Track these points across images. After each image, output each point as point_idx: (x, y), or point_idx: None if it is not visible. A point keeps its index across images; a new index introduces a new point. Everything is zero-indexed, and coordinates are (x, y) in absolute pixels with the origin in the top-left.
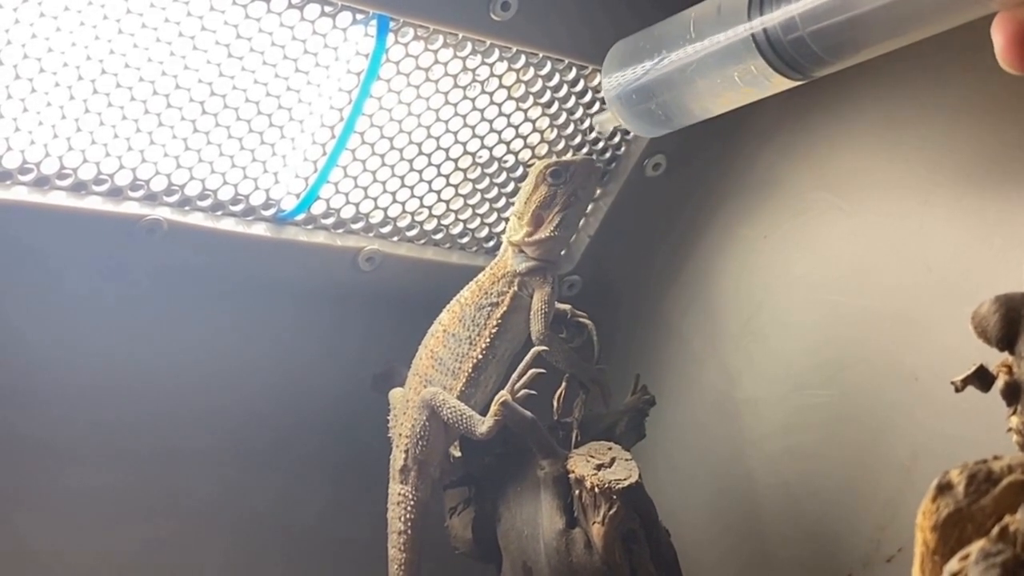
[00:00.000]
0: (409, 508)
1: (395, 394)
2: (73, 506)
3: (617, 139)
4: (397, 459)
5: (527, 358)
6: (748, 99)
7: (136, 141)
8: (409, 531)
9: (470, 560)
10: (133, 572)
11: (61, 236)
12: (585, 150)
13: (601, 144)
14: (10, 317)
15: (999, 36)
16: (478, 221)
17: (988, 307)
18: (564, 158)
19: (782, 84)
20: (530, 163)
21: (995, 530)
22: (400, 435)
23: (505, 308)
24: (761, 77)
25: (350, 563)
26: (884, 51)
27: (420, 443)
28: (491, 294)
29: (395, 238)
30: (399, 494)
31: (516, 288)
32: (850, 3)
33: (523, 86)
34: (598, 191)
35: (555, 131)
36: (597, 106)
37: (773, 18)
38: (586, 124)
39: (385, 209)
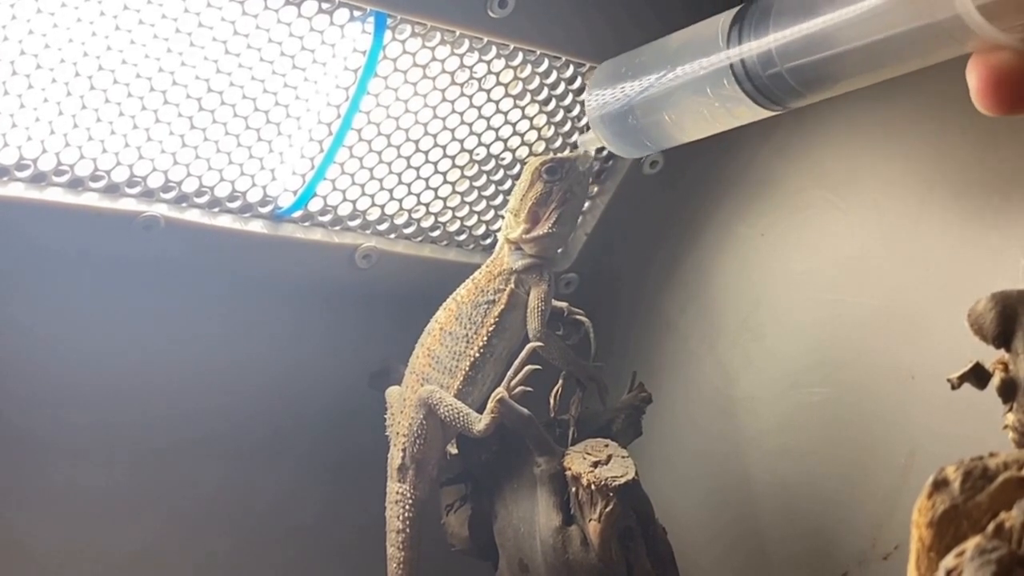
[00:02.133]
0: (407, 507)
1: (392, 392)
2: (71, 504)
3: None
4: (395, 457)
5: (522, 355)
6: (726, 126)
7: (133, 138)
8: (407, 529)
9: (467, 557)
10: (132, 569)
11: (58, 232)
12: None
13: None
14: (7, 314)
15: (973, 79)
16: (475, 218)
17: (984, 304)
18: (559, 154)
19: (760, 114)
20: (526, 161)
21: (991, 526)
22: (397, 434)
23: (502, 306)
24: (739, 107)
25: (349, 560)
26: (861, 86)
27: (418, 441)
28: (488, 292)
29: (392, 235)
30: (397, 492)
31: (513, 286)
32: (826, 41)
33: (520, 83)
34: (595, 188)
35: (552, 128)
36: (585, 119)
37: (750, 49)
38: (583, 122)
39: (382, 206)
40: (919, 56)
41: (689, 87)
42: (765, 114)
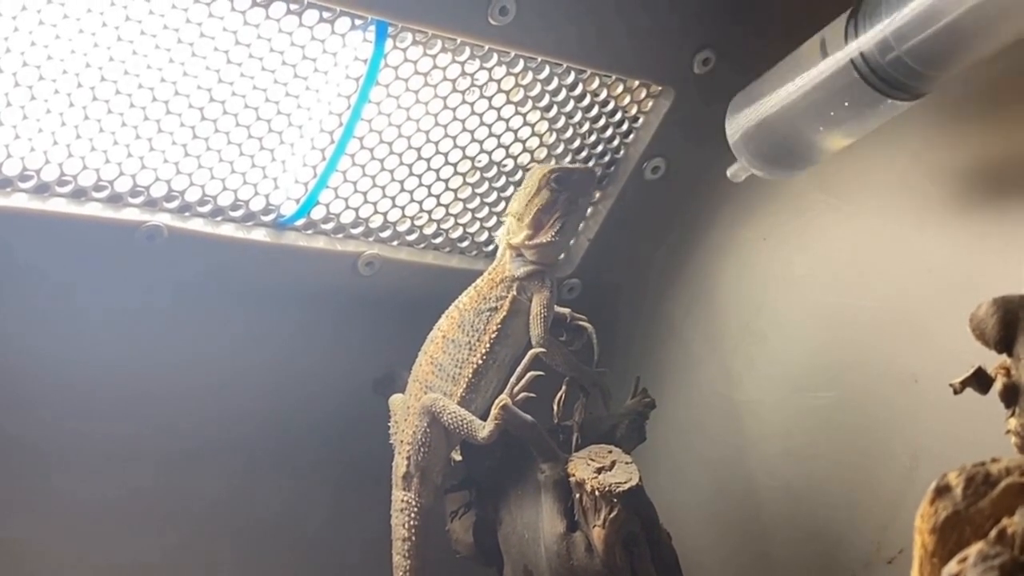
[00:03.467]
0: (413, 515)
1: (395, 400)
2: (77, 513)
3: (616, 142)
4: (400, 466)
5: (525, 361)
6: (866, 129)
7: (136, 147)
8: (413, 537)
9: (472, 563)
10: None
11: (61, 243)
12: (584, 154)
13: (600, 148)
14: (11, 325)
15: None
16: (477, 225)
17: (986, 309)
18: (566, 165)
19: (896, 108)
20: (529, 167)
21: (993, 532)
22: (402, 442)
23: (504, 313)
24: (872, 105)
25: (354, 568)
26: (977, 57)
27: (422, 450)
28: (490, 299)
29: (395, 243)
30: (402, 500)
31: (515, 292)
32: (934, 16)
33: (521, 90)
34: (597, 194)
35: (553, 135)
36: (587, 126)
37: (867, 40)
38: (584, 128)
39: (385, 214)
40: (1017, 18)
41: (823, 103)
42: (900, 107)
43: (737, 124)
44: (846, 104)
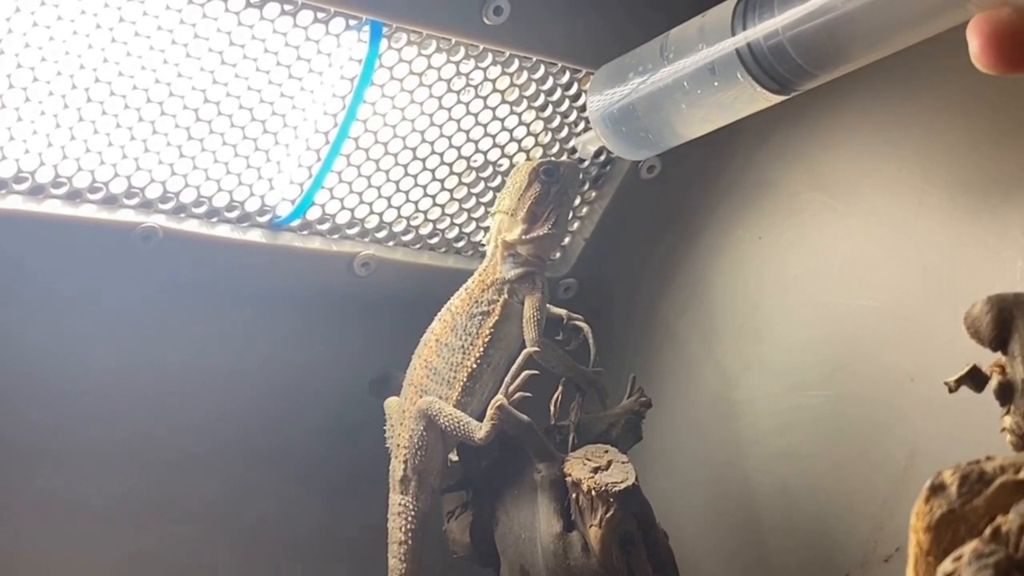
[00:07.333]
0: (409, 518)
1: (391, 404)
2: (72, 514)
3: None
4: (396, 469)
5: (519, 360)
6: (733, 117)
7: (131, 149)
8: (409, 541)
9: (468, 564)
10: None
11: (56, 245)
12: (579, 154)
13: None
14: (6, 326)
15: (975, 37)
16: (473, 225)
17: (980, 308)
18: (551, 158)
19: (767, 100)
20: (516, 163)
21: (988, 531)
22: (398, 445)
23: (496, 317)
24: (746, 93)
25: (350, 571)
26: (867, 61)
27: (419, 453)
28: (481, 303)
29: (390, 243)
30: (399, 504)
31: (506, 296)
32: (831, 13)
33: (516, 90)
34: (593, 193)
35: (549, 134)
36: (582, 125)
37: (756, 32)
38: (580, 127)
39: (380, 214)
40: (922, 22)
41: (693, 77)
42: (773, 100)
43: (601, 100)
44: (721, 95)
